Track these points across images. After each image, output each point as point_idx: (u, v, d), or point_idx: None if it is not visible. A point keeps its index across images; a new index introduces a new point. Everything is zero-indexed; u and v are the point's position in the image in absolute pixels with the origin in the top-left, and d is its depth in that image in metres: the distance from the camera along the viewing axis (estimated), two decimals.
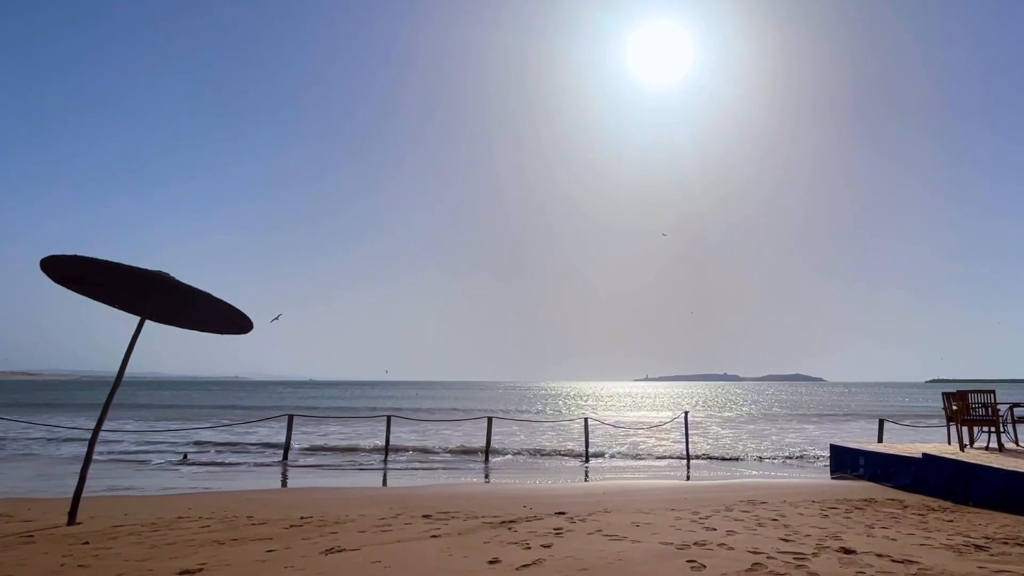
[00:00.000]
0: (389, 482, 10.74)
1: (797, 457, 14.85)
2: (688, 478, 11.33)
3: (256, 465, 12.57)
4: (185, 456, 13.39)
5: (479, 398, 63.93)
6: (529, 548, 4.57)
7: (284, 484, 10.42)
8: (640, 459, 14.41)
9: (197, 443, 16.17)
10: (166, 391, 76.88)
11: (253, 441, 16.82)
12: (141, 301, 6.56)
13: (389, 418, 14.75)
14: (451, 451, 15.30)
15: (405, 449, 15.40)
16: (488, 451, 13.87)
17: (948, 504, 7.35)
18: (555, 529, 5.35)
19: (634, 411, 39.96)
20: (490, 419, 14.45)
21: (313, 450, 15.13)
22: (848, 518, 6.12)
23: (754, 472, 12.17)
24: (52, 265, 5.96)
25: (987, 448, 9.34)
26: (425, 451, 15.20)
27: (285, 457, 13.24)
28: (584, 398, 67.64)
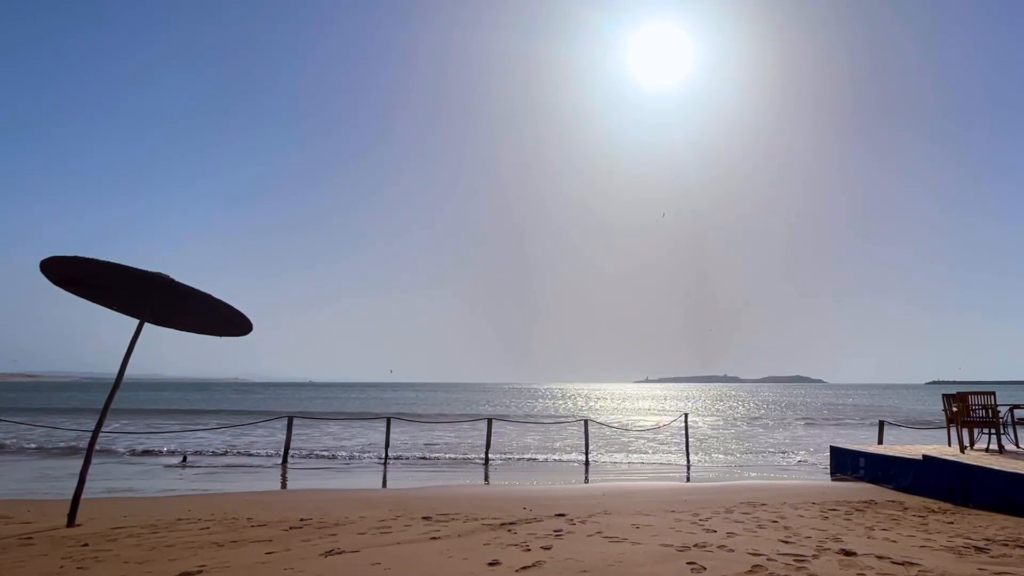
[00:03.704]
0: (389, 484, 10.73)
1: (797, 459, 14.84)
2: (688, 480, 11.32)
3: (256, 467, 12.55)
4: (185, 458, 13.37)
5: (479, 399, 63.92)
6: (529, 550, 4.57)
7: (284, 486, 10.40)
8: (640, 461, 14.40)
9: (197, 445, 16.17)
10: (166, 393, 76.85)
11: (253, 443, 16.82)
12: (141, 303, 6.56)
13: (389, 420, 14.73)
14: (451, 453, 15.29)
15: (405, 451, 15.40)
16: (488, 452, 13.86)
17: (948, 506, 7.34)
18: (555, 531, 5.35)
19: (634, 413, 39.92)
20: (490, 420, 14.43)
21: (312, 452, 15.12)
22: (848, 520, 6.11)
23: (754, 474, 12.16)
24: (51, 266, 5.96)
25: (987, 450, 9.33)
26: (425, 453, 15.19)
27: (285, 459, 13.22)
28: (584, 399, 67.61)
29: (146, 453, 14.44)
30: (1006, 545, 4.85)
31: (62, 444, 15.78)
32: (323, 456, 14.51)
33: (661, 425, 21.36)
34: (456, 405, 51.03)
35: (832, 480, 10.69)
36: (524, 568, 4.03)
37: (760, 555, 4.36)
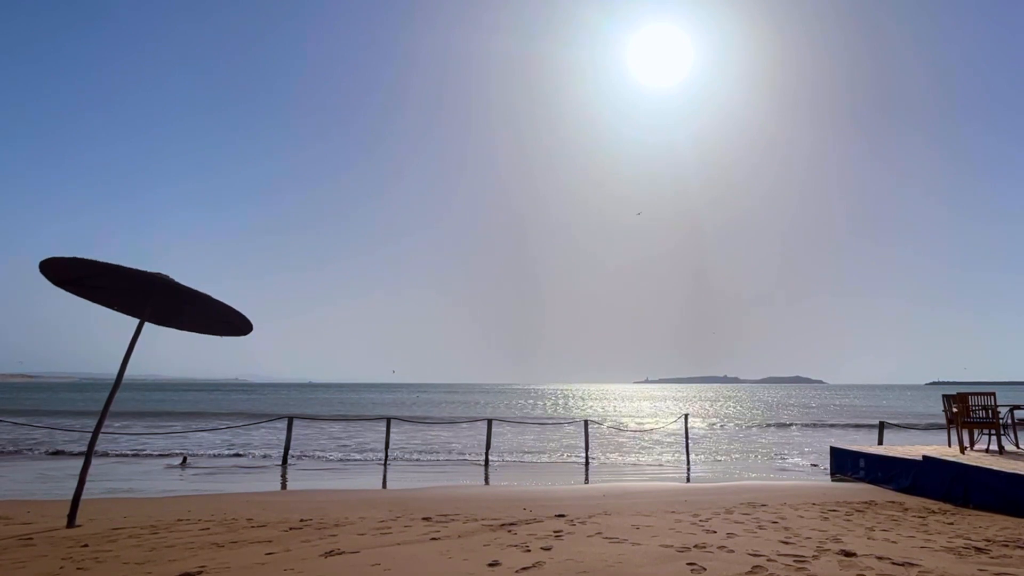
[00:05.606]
0: (389, 484, 10.72)
1: (796, 460, 14.84)
2: (688, 480, 11.31)
3: (255, 467, 12.55)
4: (185, 458, 13.36)
5: (479, 400, 63.90)
6: (529, 551, 4.57)
7: (284, 486, 10.40)
8: (640, 461, 14.39)
9: (197, 445, 16.17)
10: (166, 393, 76.80)
11: (253, 443, 16.82)
12: (141, 303, 6.56)
13: (388, 421, 14.73)
14: (451, 453, 15.29)
15: (405, 451, 15.40)
16: (488, 453, 13.86)
17: (948, 507, 7.34)
18: (555, 532, 5.35)
19: (634, 413, 39.91)
20: (490, 421, 14.44)
21: (312, 452, 15.11)
22: (848, 520, 6.11)
23: (754, 474, 12.15)
24: (51, 267, 5.96)
25: (987, 450, 9.34)
26: (424, 453, 15.19)
27: (285, 460, 13.22)
28: (585, 400, 67.61)
29: (146, 454, 14.44)
30: (1006, 546, 4.85)
31: (62, 445, 15.77)
32: (323, 457, 14.51)
33: (661, 426, 21.36)
34: (456, 406, 51.04)
35: (832, 481, 10.69)
36: (524, 569, 4.03)
37: (760, 556, 4.36)
